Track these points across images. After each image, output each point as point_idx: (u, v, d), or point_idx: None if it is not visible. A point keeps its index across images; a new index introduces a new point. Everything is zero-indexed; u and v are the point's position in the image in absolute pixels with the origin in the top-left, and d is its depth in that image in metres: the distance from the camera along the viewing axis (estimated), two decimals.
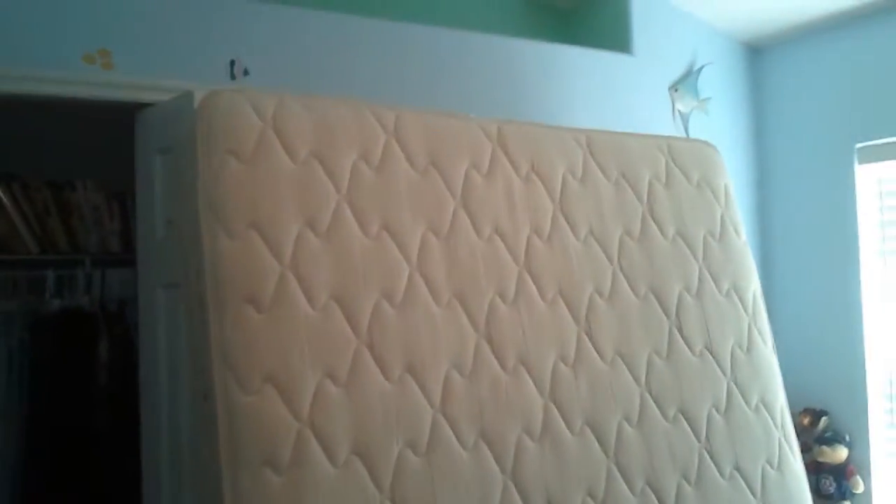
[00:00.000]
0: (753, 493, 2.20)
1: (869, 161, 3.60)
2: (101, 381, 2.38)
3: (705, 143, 2.65)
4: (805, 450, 3.39)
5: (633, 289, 2.20)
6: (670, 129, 3.30)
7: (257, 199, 1.65)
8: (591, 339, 2.06)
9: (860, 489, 3.55)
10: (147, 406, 1.96)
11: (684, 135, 3.34)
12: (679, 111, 3.38)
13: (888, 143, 3.52)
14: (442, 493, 1.67)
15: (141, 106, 2.08)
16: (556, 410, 1.94)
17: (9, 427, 2.30)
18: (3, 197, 2.53)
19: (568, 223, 2.14)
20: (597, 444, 1.97)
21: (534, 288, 2.01)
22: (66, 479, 2.28)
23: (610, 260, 2.19)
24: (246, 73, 2.32)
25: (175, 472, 1.80)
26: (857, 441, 3.58)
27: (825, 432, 3.57)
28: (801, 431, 3.47)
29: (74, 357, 2.38)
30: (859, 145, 3.58)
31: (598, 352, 2.06)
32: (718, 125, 3.56)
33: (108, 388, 2.35)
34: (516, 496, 1.78)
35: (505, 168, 2.05)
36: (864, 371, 3.59)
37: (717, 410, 2.22)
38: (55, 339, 2.39)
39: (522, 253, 2.01)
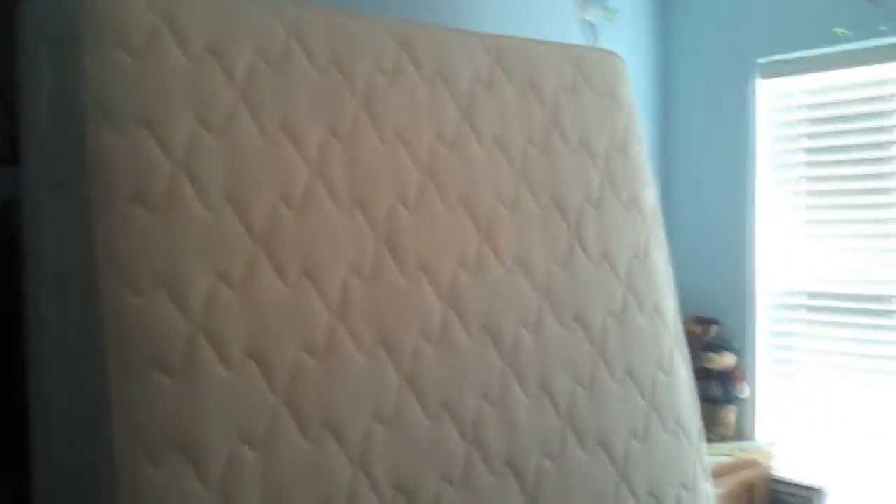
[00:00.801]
0: (643, 396, 2.28)
1: (770, 76, 3.67)
2: None
3: (612, 52, 2.64)
4: (695, 356, 3.52)
5: (534, 197, 2.21)
6: (578, 38, 3.29)
7: (147, 95, 1.57)
8: (491, 246, 2.07)
9: (745, 393, 3.72)
10: (34, 311, 1.88)
11: (592, 45, 3.33)
12: (587, 21, 3.36)
13: (789, 59, 3.59)
14: (338, 396, 1.67)
15: None
16: (453, 315, 1.95)
17: None
18: None
19: (472, 130, 2.12)
20: (493, 349, 1.99)
21: (436, 193, 1.99)
22: None
23: (512, 167, 2.18)
24: None
25: (64, 378, 1.74)
26: (744, 348, 3.74)
27: (714, 340, 3.71)
28: (691, 339, 3.60)
29: None
30: (761, 60, 3.63)
31: (498, 259, 2.07)
32: (626, 37, 3.56)
33: None
34: (413, 399, 1.80)
35: (409, 71, 2.00)
36: (754, 282, 3.73)
37: (612, 317, 2.27)
38: None
39: (425, 158, 1.99)
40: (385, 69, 1.94)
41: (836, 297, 3.54)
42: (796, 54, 3.51)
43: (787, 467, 3.67)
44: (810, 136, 3.62)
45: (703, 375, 3.63)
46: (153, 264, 1.51)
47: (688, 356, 2.50)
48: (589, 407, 2.15)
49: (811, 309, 3.62)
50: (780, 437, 3.73)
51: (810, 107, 3.63)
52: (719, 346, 3.66)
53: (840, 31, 3.02)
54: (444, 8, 2.87)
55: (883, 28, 2.84)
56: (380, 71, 1.93)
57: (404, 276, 1.86)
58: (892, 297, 3.41)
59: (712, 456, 3.30)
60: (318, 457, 1.64)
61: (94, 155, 1.49)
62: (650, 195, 2.54)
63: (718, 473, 3.28)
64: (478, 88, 2.15)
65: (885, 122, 3.42)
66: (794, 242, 3.68)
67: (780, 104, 3.69)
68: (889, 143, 3.40)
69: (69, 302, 1.70)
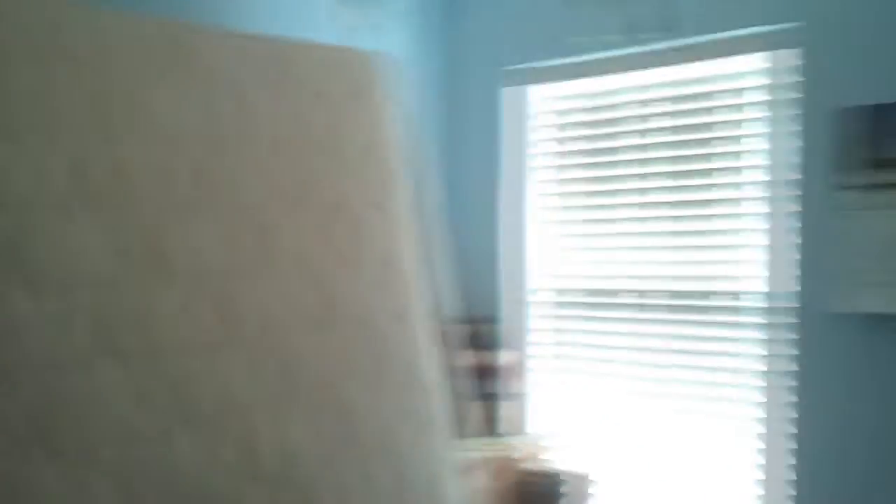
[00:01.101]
0: (391, 401, 2.29)
1: (526, 83, 3.85)
2: None
3: (367, 53, 2.59)
4: (471, 355, 3.62)
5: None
6: (337, 39, 3.28)
7: None
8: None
9: (518, 389, 3.87)
10: None
11: (353, 46, 3.33)
12: (348, 23, 3.37)
13: (538, 68, 3.78)
14: None
15: None
16: None
17: None
18: None
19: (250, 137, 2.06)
20: None
21: None
22: None
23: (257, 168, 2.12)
24: None
25: None
26: (518, 346, 3.89)
27: (489, 337, 3.83)
28: (468, 338, 3.70)
29: None
30: (511, 67, 3.80)
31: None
32: (399, 38, 3.61)
33: None
34: None
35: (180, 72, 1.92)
36: (525, 281, 3.90)
37: (359, 322, 2.26)
38: None
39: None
40: (151, 69, 1.84)
41: (597, 293, 3.77)
42: (546, 63, 3.71)
43: (559, 458, 3.85)
44: (585, 140, 3.82)
45: (479, 373, 3.74)
46: None
47: (444, 357, 2.54)
48: (370, 408, 2.17)
49: (577, 305, 3.82)
50: (553, 429, 3.91)
51: (586, 111, 3.83)
52: (492, 343, 3.79)
53: (583, 40, 3.19)
54: (200, 7, 2.75)
55: (622, 38, 3.02)
56: (145, 71, 1.82)
57: (172, 287, 1.79)
58: (652, 291, 3.65)
59: (481, 451, 3.41)
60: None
61: None
62: (432, 198, 2.57)
63: (492, 467, 3.40)
64: (253, 91, 2.10)
65: (635, 126, 3.67)
66: (566, 243, 3.88)
67: (557, 108, 3.87)
68: (637, 147, 3.65)
69: None
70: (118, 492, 1.60)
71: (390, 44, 3.40)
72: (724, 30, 3.28)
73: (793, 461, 3.29)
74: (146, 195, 1.77)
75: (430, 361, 2.41)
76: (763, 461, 3.38)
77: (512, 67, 3.82)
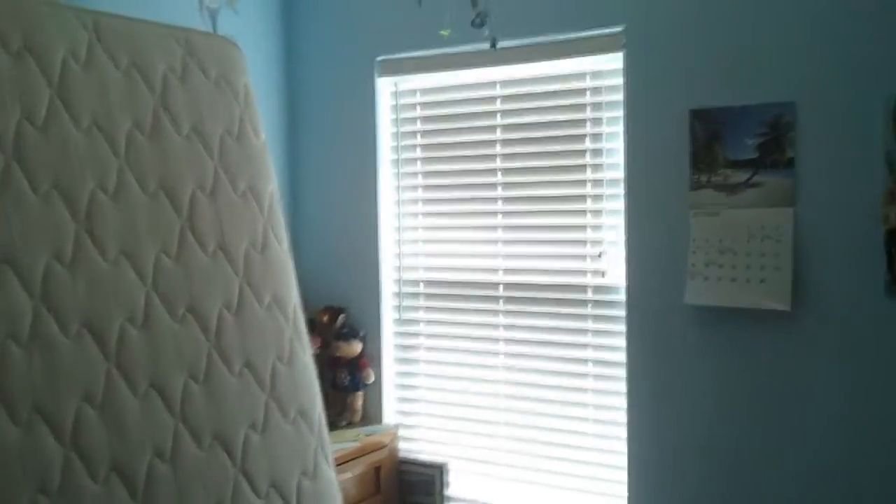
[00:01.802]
0: (262, 388, 2.25)
1: (388, 74, 3.82)
2: None
3: (227, 39, 2.58)
4: (324, 346, 3.58)
5: (141, 185, 2.09)
6: (197, 24, 3.18)
7: None
8: (91, 237, 1.93)
9: (371, 379, 3.84)
10: None
11: (211, 31, 3.24)
12: (207, 7, 3.27)
13: (404, 58, 3.76)
14: None
15: None
16: (49, 313, 1.79)
17: None
18: None
19: (68, 112, 1.96)
20: (96, 347, 1.86)
21: (25, 182, 1.81)
22: None
23: (116, 154, 2.05)
24: None
25: None
26: (371, 336, 3.86)
27: (342, 328, 3.79)
28: (320, 328, 3.65)
29: None
30: (379, 58, 3.77)
31: (99, 250, 1.93)
32: (248, 26, 3.52)
33: None
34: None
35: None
36: (378, 271, 3.87)
37: (229, 309, 2.22)
38: None
39: (10, 143, 1.79)
40: None
41: (453, 284, 3.78)
42: (414, 53, 3.69)
43: (413, 447, 3.85)
44: (424, 134, 3.82)
45: (333, 364, 3.70)
46: None
47: (308, 345, 2.51)
48: (205, 402, 2.07)
49: (431, 297, 3.83)
50: (406, 419, 3.90)
51: (425, 105, 3.83)
52: (347, 334, 3.75)
53: (446, 33, 3.22)
54: None
55: (486, 34, 3.08)
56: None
57: None
58: (498, 283, 3.70)
59: (341, 442, 3.37)
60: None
61: None
62: (269, 185, 2.51)
63: (347, 458, 3.36)
64: (74, 65, 1.98)
65: (492, 121, 3.70)
66: (416, 234, 3.87)
67: (402, 101, 3.86)
68: (493, 142, 3.69)
69: None
70: None
71: (225, 27, 3.31)
72: (552, 32, 3.37)
73: (626, 450, 3.39)
74: None
75: (270, 352, 2.35)
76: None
77: (358, 58, 3.78)
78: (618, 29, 3.27)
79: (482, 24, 2.99)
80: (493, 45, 3.07)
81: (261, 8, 3.63)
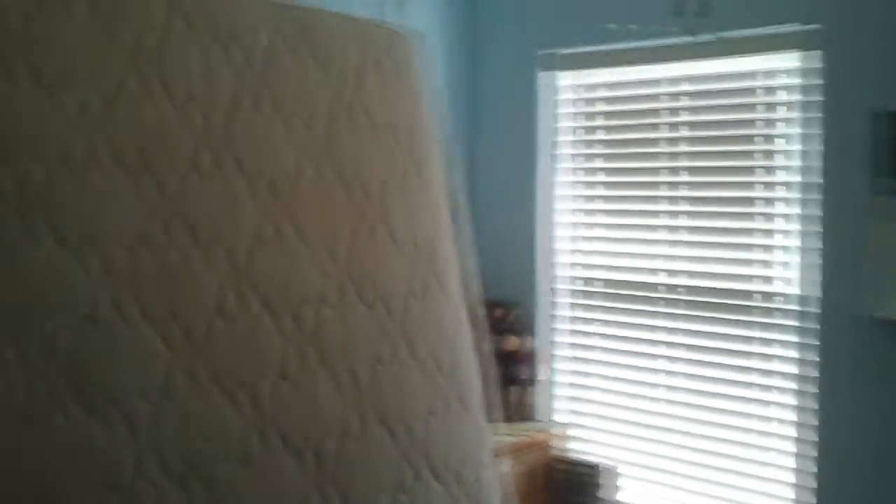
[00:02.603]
0: (441, 375, 2.27)
1: (569, 68, 3.79)
2: None
3: (408, 30, 2.60)
4: (498, 339, 3.58)
5: (333, 174, 2.15)
6: (381, 14, 3.26)
7: None
8: (291, 223, 2.00)
9: (543, 376, 3.83)
10: None
11: (395, 22, 3.31)
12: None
13: (587, 53, 3.71)
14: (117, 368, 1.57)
15: None
16: (248, 289, 1.87)
17: None
18: None
19: (252, 100, 2.02)
20: (291, 325, 1.94)
21: (232, 164, 1.90)
22: None
23: (304, 143, 2.10)
24: None
25: None
26: (544, 331, 3.85)
27: (514, 323, 3.79)
28: (491, 322, 3.66)
29: None
30: (562, 52, 3.74)
31: (297, 234, 2.01)
32: (433, 15, 3.57)
33: None
34: (185, 377, 1.71)
35: (184, 33, 1.88)
36: (553, 267, 3.85)
37: (413, 296, 2.26)
38: None
39: (203, 125, 1.87)
40: (156, 30, 1.80)
41: (627, 284, 3.71)
42: (596, 48, 3.65)
43: (581, 447, 3.81)
44: (608, 130, 3.77)
45: (506, 358, 3.70)
46: None
47: (479, 338, 2.51)
48: (391, 387, 2.12)
49: (606, 296, 3.77)
50: (575, 418, 3.86)
51: (609, 100, 3.78)
52: (518, 329, 3.75)
53: (618, 27, 3.16)
54: None
55: (675, 28, 3.00)
56: (153, 33, 1.79)
57: (197, 248, 1.76)
58: (676, 286, 3.60)
59: (508, 436, 3.37)
60: (104, 436, 1.54)
61: None
62: (456, 178, 2.54)
63: (513, 453, 3.36)
64: (275, 57, 2.06)
65: (669, 119, 3.61)
66: (591, 231, 3.83)
67: (583, 96, 3.83)
68: (675, 140, 3.60)
69: None
70: (147, 445, 1.60)
71: (415, 21, 3.36)
72: (752, 25, 3.24)
73: (815, 468, 3.23)
74: (170, 157, 1.74)
75: (454, 342, 2.37)
76: (792, 464, 3.33)
77: (541, 52, 3.77)
78: (815, 26, 3.11)
79: (705, 15, 2.91)
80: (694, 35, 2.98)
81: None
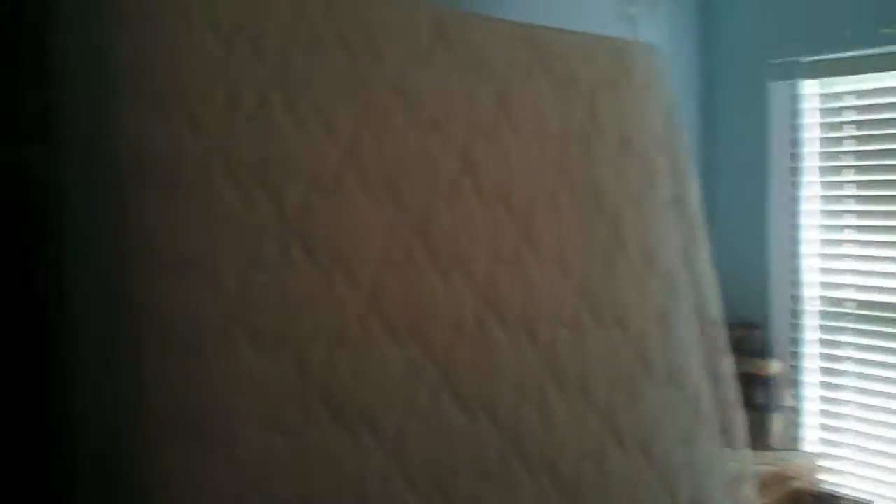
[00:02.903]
0: (687, 402, 2.20)
1: (816, 76, 3.58)
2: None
3: (651, 45, 2.57)
4: (739, 362, 3.42)
5: (572, 193, 2.15)
6: (618, 31, 3.21)
7: (179, 75, 1.55)
8: (529, 242, 2.01)
9: (790, 401, 3.61)
10: (66, 300, 1.84)
11: (631, 37, 3.26)
12: (628, 13, 3.29)
13: (835, 59, 3.49)
14: (371, 388, 1.65)
15: None
16: (489, 309, 1.90)
17: None
18: None
19: (508, 121, 2.06)
20: (529, 346, 1.94)
21: (472, 187, 1.93)
22: None
23: (550, 162, 2.12)
24: None
25: (95, 358, 1.68)
26: (790, 355, 3.63)
27: (759, 346, 3.61)
28: (735, 344, 3.50)
29: None
30: (806, 59, 3.55)
31: (535, 255, 2.01)
32: (666, 29, 3.49)
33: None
34: (447, 393, 1.75)
35: (444, 59, 1.95)
36: (799, 288, 3.63)
37: (654, 319, 2.21)
38: None
39: (460, 148, 1.92)
40: (418, 55, 1.88)
41: (884, 306, 3.43)
42: (843, 54, 3.42)
43: (832, 479, 3.55)
44: (859, 140, 3.51)
45: (748, 381, 3.53)
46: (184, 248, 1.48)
47: (720, 360, 2.41)
48: (629, 410, 2.08)
49: (860, 318, 3.51)
50: (824, 447, 3.61)
51: (860, 109, 3.53)
52: (763, 351, 3.56)
53: (889, 31, 2.93)
54: None
55: None
56: (412, 56, 1.87)
57: (437, 269, 1.80)
58: None
59: (755, 465, 3.20)
60: (352, 448, 1.60)
61: (119, 134, 1.46)
62: (693, 194, 2.46)
63: (762, 483, 3.18)
64: (514, 78, 2.09)
65: None
66: (840, 249, 3.58)
67: (828, 105, 3.60)
68: None
69: (101, 286, 1.65)
70: (392, 458, 1.66)
71: (644, 33, 3.30)
72: None
73: None
74: (414, 179, 1.80)
75: (693, 366, 2.29)
76: None
77: (780, 60, 3.59)
78: None
79: None
80: None
81: (677, 10, 3.58)
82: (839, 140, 3.58)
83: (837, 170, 3.59)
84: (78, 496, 1.56)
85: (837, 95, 3.57)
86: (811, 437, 3.66)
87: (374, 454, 1.64)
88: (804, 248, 3.63)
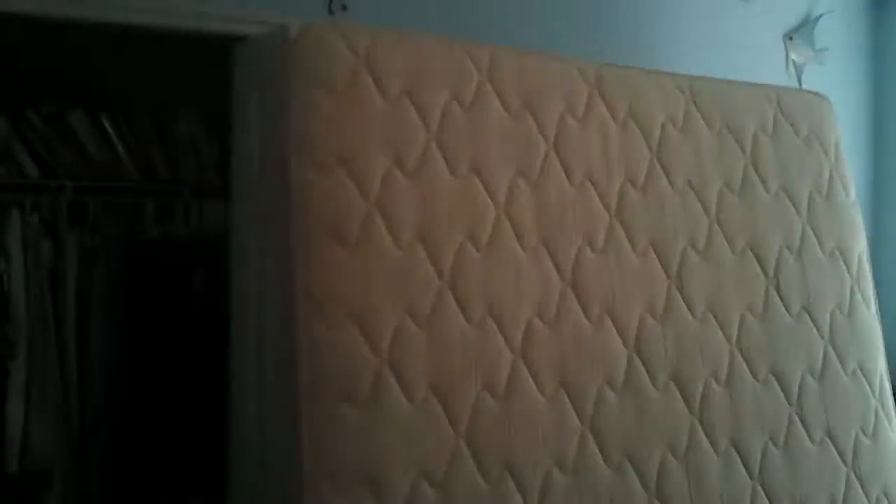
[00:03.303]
0: (844, 461, 2.12)
1: None
2: (195, 312, 2.44)
3: (817, 94, 2.51)
4: None
5: (729, 243, 2.12)
6: (783, 80, 3.15)
7: (347, 135, 1.64)
8: (681, 293, 2.00)
9: None
10: (236, 338, 1.99)
11: (797, 86, 3.18)
12: (793, 61, 3.22)
13: None
14: (518, 439, 1.66)
15: (237, 39, 2.08)
16: (640, 363, 1.89)
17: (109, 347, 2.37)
18: (108, 126, 2.59)
19: (665, 172, 2.07)
20: (681, 400, 1.92)
21: (624, 238, 1.95)
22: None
23: (707, 212, 2.11)
24: (344, 8, 2.30)
25: (261, 404, 1.82)
26: None
27: None
28: None
29: (171, 284, 2.45)
30: None
31: (688, 306, 2.00)
32: (834, 78, 3.38)
33: (201, 318, 2.40)
34: (593, 446, 1.75)
35: (601, 113, 1.98)
36: None
37: (812, 374, 2.14)
38: (153, 265, 2.46)
39: (614, 201, 1.95)
40: (576, 111, 1.93)
41: None
42: None
43: None
44: None
45: None
46: (346, 298, 1.56)
47: (895, 419, 2.30)
48: (783, 467, 2.02)
49: None
50: None
51: None
52: None
53: None
54: (641, 48, 2.83)
55: None
56: (571, 113, 1.92)
57: (590, 322, 1.83)
58: None
59: None
60: (498, 499, 1.63)
61: (296, 191, 1.57)
62: (858, 245, 2.38)
63: None
64: (671, 129, 2.09)
65: None
66: None
67: None
68: None
69: (267, 332, 1.78)
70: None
71: (812, 81, 3.21)
72: None
73: None
74: (568, 232, 1.85)
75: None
76: None
77: None
78: None
79: None
80: None
81: (847, 58, 3.46)
82: None
83: None
84: None
85: None
86: None
87: (574, 423, 1.74)
88: None
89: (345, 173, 1.61)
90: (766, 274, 2.16)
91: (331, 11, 2.28)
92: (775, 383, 2.07)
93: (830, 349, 2.20)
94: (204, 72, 2.26)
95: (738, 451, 1.97)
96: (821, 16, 3.27)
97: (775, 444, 2.03)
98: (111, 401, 2.36)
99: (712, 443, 1.94)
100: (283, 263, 1.63)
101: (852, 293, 2.31)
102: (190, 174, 2.73)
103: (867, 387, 2.26)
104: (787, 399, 2.08)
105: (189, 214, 2.66)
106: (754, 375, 2.05)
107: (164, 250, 2.52)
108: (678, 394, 1.92)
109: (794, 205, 2.27)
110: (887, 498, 2.16)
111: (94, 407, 2.34)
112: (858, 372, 2.25)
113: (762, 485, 1.99)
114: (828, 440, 2.12)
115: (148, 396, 2.40)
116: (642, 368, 1.88)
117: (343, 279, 1.57)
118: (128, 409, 2.39)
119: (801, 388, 2.11)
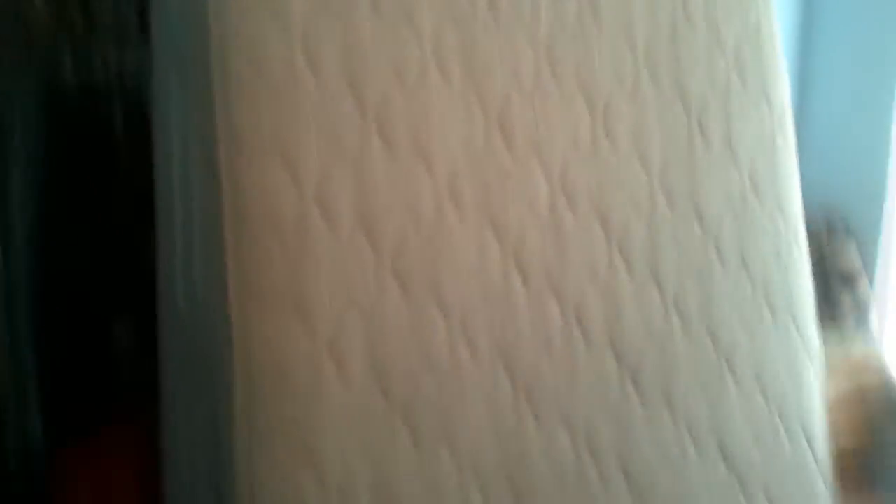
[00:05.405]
0: (755, 288, 2.23)
1: None
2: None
3: None
4: (819, 255, 3.40)
5: (655, 83, 2.14)
6: None
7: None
8: (606, 131, 2.04)
9: (869, 296, 3.60)
10: (162, 180, 1.97)
11: None
12: None
13: None
14: (443, 266, 1.76)
15: None
16: (563, 198, 1.96)
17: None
18: None
19: (594, 16, 2.05)
20: (602, 233, 2.00)
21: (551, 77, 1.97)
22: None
23: (633, 53, 2.12)
24: None
25: (187, 246, 1.82)
26: (874, 250, 3.61)
27: (843, 239, 3.59)
28: (815, 238, 3.48)
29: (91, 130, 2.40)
30: None
31: (612, 144, 2.05)
32: None
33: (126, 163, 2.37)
34: (516, 276, 1.84)
35: None
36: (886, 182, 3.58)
37: (730, 209, 2.22)
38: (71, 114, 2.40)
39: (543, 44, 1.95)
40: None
41: None
42: None
43: None
44: None
45: (827, 274, 3.52)
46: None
47: (807, 253, 2.41)
48: (698, 296, 2.13)
49: None
50: None
51: None
52: (848, 245, 3.54)
53: None
54: None
55: None
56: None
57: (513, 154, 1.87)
58: None
59: (827, 357, 3.22)
60: (421, 323, 1.71)
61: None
62: (782, 90, 2.42)
63: (832, 373, 3.20)
64: None
65: None
66: None
67: None
68: None
69: (192, 182, 1.75)
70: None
71: None
72: None
73: None
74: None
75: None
76: None
77: None
78: None
79: None
80: None
81: None
82: None
83: None
84: None
85: None
86: (889, 332, 3.67)
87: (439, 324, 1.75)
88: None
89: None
90: (688, 114, 2.20)
91: None
92: (694, 216, 2.15)
93: (749, 185, 2.27)
94: None
95: (656, 281, 2.07)
96: None
97: (692, 274, 2.13)
98: (35, 262, 2.33)
99: (630, 274, 2.02)
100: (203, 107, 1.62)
101: (773, 134, 2.37)
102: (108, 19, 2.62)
103: (782, 223, 2.35)
104: (705, 231, 2.16)
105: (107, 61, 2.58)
106: (672, 209, 2.12)
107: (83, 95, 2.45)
108: (599, 227, 1.99)
109: (720, 46, 2.28)
110: (792, 319, 2.28)
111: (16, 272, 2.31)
112: (775, 208, 2.33)
113: (677, 312, 2.10)
114: (743, 270, 2.22)
115: (71, 251, 2.36)
116: (565, 202, 1.94)
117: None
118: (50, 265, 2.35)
119: (719, 222, 2.19)
